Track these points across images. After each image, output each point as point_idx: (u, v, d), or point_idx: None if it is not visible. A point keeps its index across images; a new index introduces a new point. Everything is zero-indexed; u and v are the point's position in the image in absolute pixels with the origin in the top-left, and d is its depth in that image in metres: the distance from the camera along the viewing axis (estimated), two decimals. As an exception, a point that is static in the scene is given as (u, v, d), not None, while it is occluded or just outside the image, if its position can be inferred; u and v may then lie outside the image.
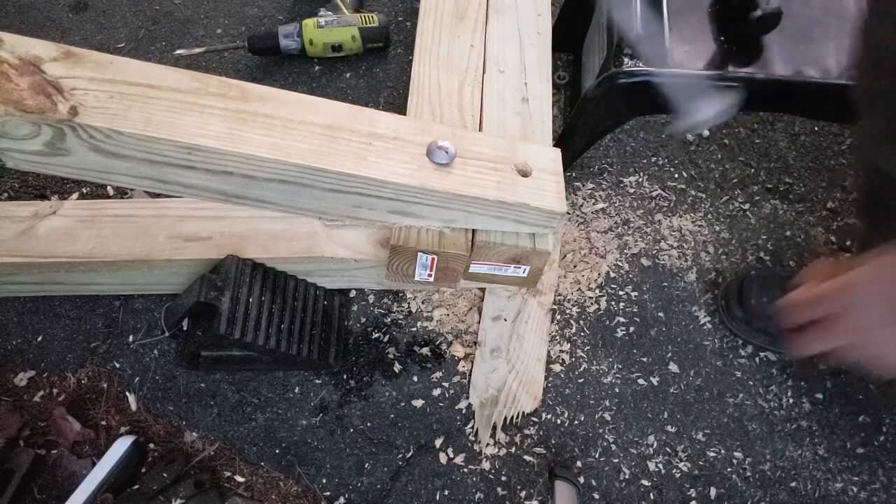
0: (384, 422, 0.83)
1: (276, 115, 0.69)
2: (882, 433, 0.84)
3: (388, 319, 0.90)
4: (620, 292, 0.93)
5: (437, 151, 0.72)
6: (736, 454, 0.82)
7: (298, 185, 0.69)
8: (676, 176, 1.04)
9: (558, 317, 0.91)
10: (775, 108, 0.90)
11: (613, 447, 0.82)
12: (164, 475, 0.75)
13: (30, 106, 0.59)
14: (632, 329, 0.90)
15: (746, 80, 0.78)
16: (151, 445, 0.81)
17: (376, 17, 1.12)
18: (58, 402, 0.83)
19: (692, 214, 1.00)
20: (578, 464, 0.81)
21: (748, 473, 0.81)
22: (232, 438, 0.82)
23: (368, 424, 0.83)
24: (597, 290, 0.93)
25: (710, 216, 1.00)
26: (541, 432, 0.83)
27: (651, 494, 0.80)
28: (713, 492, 0.80)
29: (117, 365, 0.86)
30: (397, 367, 0.86)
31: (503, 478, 0.80)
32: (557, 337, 0.89)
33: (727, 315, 0.89)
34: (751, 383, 0.87)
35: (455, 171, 0.71)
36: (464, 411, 0.84)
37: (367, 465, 0.80)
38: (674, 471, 0.81)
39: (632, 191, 1.02)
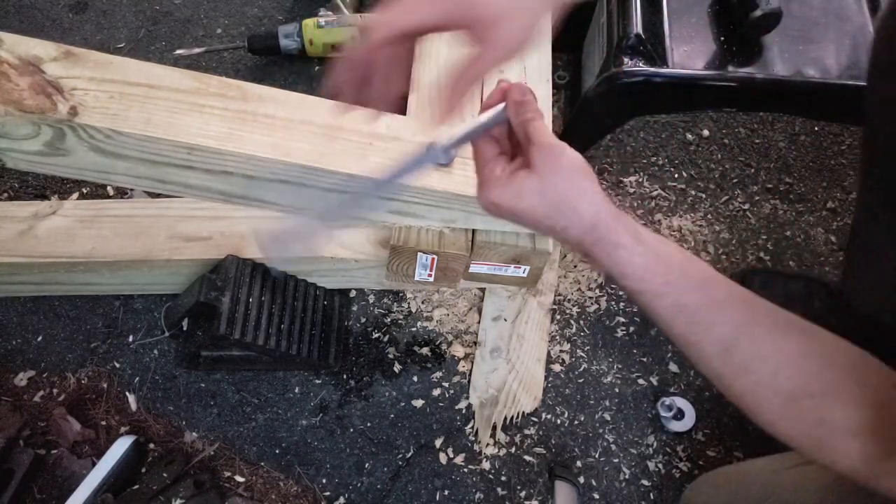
0: (384, 422, 0.83)
1: (276, 115, 0.69)
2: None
3: (388, 319, 0.90)
4: (620, 292, 0.93)
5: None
6: (736, 454, 0.82)
7: (298, 185, 0.69)
8: (676, 176, 1.04)
9: (558, 317, 0.91)
10: (775, 108, 0.90)
11: (613, 447, 0.82)
12: (164, 475, 0.75)
13: (30, 106, 0.59)
14: (632, 329, 0.90)
15: (746, 79, 0.79)
16: (151, 445, 0.81)
17: (376, 17, 1.12)
18: (58, 402, 0.82)
19: (692, 214, 1.00)
20: (578, 464, 0.81)
21: (748, 473, 0.81)
22: (232, 438, 0.82)
23: (368, 424, 0.83)
24: (597, 290, 0.93)
25: (710, 216, 1.00)
26: (541, 432, 0.83)
27: (651, 494, 0.80)
28: (713, 492, 0.80)
29: (117, 365, 0.86)
30: (397, 367, 0.86)
31: (503, 478, 0.80)
32: (557, 337, 0.89)
33: None
34: (751, 383, 0.86)
35: (455, 171, 0.71)
36: (464, 411, 0.84)
37: (367, 465, 0.80)
38: (674, 471, 0.81)
39: (632, 191, 1.02)
